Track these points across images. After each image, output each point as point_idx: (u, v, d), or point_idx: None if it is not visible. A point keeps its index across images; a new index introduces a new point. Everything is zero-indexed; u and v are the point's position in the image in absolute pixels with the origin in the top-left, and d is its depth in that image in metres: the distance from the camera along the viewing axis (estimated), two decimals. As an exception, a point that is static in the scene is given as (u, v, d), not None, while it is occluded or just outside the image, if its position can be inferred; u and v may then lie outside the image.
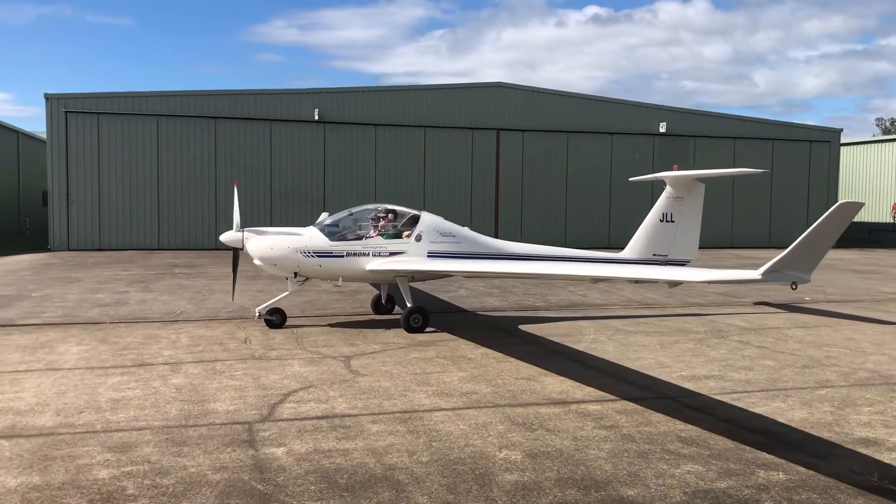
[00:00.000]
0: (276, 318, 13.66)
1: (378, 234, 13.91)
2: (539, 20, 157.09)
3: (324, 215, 17.82)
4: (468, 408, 8.51)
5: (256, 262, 13.76)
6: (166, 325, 13.90)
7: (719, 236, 36.24)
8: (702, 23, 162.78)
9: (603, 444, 7.35)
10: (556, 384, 9.66)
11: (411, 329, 13.23)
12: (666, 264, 14.91)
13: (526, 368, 10.52)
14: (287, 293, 13.91)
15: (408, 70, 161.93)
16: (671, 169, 16.70)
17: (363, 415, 8.17)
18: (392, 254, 13.81)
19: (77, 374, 9.94)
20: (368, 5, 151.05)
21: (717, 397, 9.18)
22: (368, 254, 13.71)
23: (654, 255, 15.31)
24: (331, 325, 13.90)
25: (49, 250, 29.98)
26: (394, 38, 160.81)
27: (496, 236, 35.33)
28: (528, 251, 14.92)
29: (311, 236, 13.73)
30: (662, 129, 37.49)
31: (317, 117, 33.09)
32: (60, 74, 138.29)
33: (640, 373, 10.42)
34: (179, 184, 32.05)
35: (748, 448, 7.26)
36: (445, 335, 13.00)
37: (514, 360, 11.09)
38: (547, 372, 10.33)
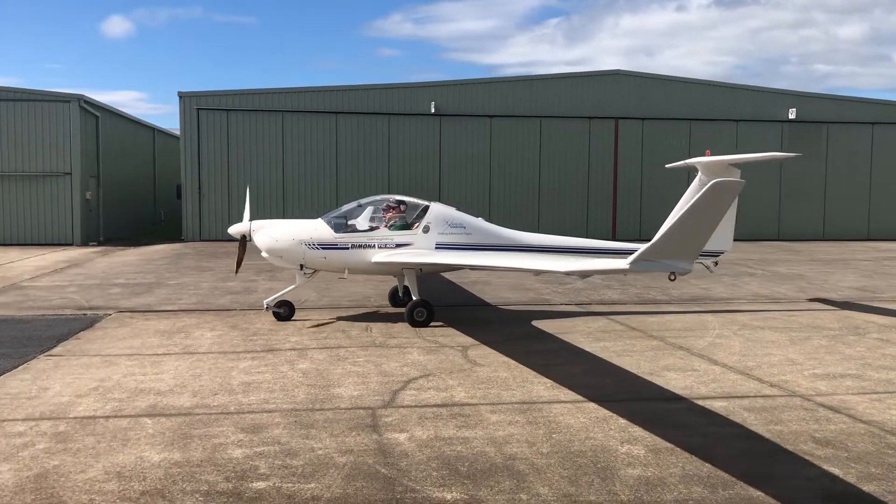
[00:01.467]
0: (283, 311, 13.64)
1: (384, 226, 13.75)
2: (659, 5, 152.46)
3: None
4: (588, 401, 8.40)
5: (263, 254, 13.85)
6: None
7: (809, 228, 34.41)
8: (837, 2, 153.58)
9: (730, 441, 7.10)
10: (680, 379, 9.40)
11: (415, 323, 12.95)
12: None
13: (647, 363, 10.28)
14: (294, 286, 13.92)
15: (521, 60, 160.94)
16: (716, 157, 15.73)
17: (482, 404, 8.22)
18: (399, 245, 13.62)
19: (211, 357, 10.48)
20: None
21: (855, 397, 8.69)
22: (374, 245, 13.54)
23: None
24: (449, 316, 14.04)
25: (182, 241, 31.70)
26: (508, 29, 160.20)
27: (614, 229, 34.93)
28: (546, 242, 14.44)
29: (315, 228, 13.71)
30: (792, 116, 35.66)
31: (433, 110, 33.43)
32: (189, 72, 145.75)
33: (768, 370, 9.99)
34: (302, 177, 33.14)
35: (892, 452, 6.83)
36: (563, 325, 12.88)
37: (634, 354, 10.86)
38: (669, 367, 10.06)
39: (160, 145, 44.26)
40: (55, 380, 9.18)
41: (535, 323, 13.28)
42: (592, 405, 8.23)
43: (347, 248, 13.50)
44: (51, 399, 8.33)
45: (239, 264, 14.51)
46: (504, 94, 34.38)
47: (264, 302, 13.95)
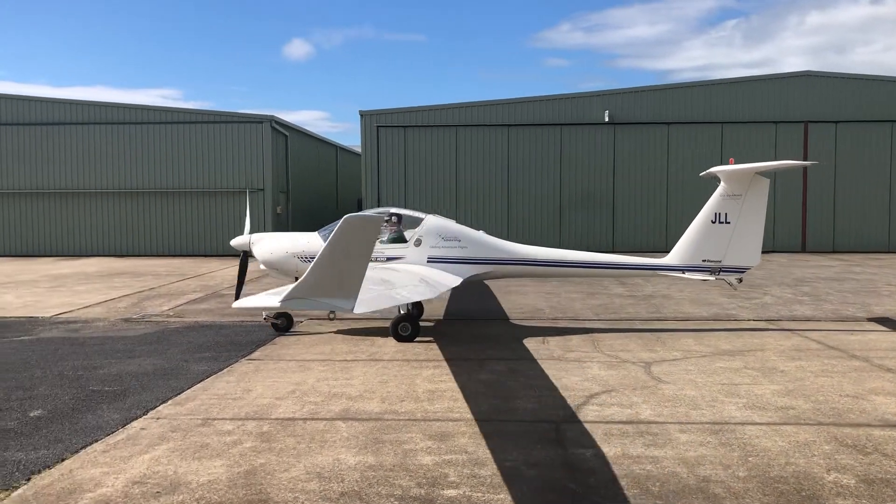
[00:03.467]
0: (281, 322, 13.61)
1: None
2: None
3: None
4: (785, 423, 7.90)
5: (261, 266, 13.92)
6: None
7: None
8: None
9: (956, 476, 6.41)
10: (891, 404, 8.63)
11: (400, 338, 12.60)
12: (719, 271, 13.39)
13: (851, 385, 9.52)
14: None
15: (696, 65, 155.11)
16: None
17: (670, 423, 7.94)
18: (389, 259, 13.46)
19: (395, 365, 10.85)
20: (654, 1, 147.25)
21: None
22: None
23: (704, 260, 13.45)
24: (625, 331, 13.71)
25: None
26: (681, 33, 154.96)
27: (803, 239, 32.73)
28: (545, 256, 13.95)
29: (308, 241, 13.74)
30: None
31: (607, 119, 32.91)
32: (365, 91, 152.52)
33: None
34: (475, 190, 33.67)
35: None
36: (751, 342, 12.21)
37: (835, 375, 10.10)
38: (877, 390, 9.27)
39: (342, 162, 46.57)
40: (256, 382, 9.85)
41: (720, 340, 12.68)
42: (790, 428, 7.73)
43: None
44: (254, 400, 8.95)
45: (241, 286, 14.21)
46: (681, 100, 33.26)
47: (263, 313, 13.88)
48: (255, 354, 11.72)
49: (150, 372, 10.46)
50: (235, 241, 14.67)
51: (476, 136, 33.67)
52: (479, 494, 6.02)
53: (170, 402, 8.92)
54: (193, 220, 32.52)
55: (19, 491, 6.13)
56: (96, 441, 7.43)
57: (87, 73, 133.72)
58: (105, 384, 9.79)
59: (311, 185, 39.04)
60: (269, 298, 6.08)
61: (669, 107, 33.22)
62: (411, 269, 12.99)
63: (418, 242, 13.60)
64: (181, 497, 5.98)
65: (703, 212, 13.61)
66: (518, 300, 17.59)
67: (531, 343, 12.46)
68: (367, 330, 13.86)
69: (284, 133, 34.40)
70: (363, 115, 33.67)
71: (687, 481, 6.29)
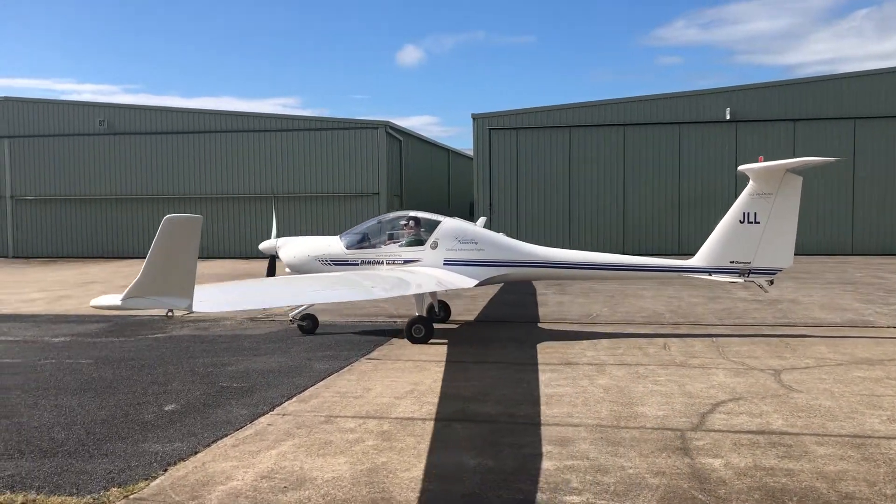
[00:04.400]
0: (307, 324, 13.70)
1: (392, 242, 13.72)
2: None
3: (482, 220, 17.60)
4: (936, 439, 7.32)
5: (286, 269, 13.85)
6: (584, 326, 14.43)
7: None
8: None
9: None
10: None
11: (414, 339, 12.59)
12: (749, 273, 12.78)
13: None
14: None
15: (822, 58, 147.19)
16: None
17: (804, 434, 7.51)
18: (406, 262, 13.48)
19: (512, 368, 10.76)
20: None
21: None
22: (382, 262, 13.52)
23: (732, 262, 12.84)
24: (751, 336, 13.12)
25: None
26: (805, 25, 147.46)
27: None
28: (563, 258, 13.77)
29: (329, 244, 13.98)
30: None
31: (728, 116, 31.71)
32: (476, 95, 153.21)
33: None
34: (588, 191, 33.18)
35: None
36: (891, 351, 11.41)
37: None
38: None
39: (454, 165, 46.94)
40: (376, 381, 10.01)
41: (857, 348, 11.94)
42: (942, 444, 7.15)
43: (357, 264, 13.61)
44: (374, 399, 9.08)
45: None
46: (808, 95, 31.65)
47: (290, 315, 14.05)
48: (374, 354, 11.92)
49: (276, 369, 10.81)
50: (263, 245, 14.88)
51: (590, 136, 33.19)
52: (603, 502, 5.87)
53: (294, 398, 9.18)
54: (312, 224, 33.52)
55: (157, 481, 6.43)
56: (226, 435, 7.72)
57: (215, 86, 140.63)
58: (233, 381, 10.19)
59: (424, 188, 39.53)
60: (113, 298, 6.33)
61: (796, 102, 31.68)
62: (425, 272, 13.10)
63: (434, 245, 13.63)
64: (307, 493, 6.12)
65: (730, 211, 13.06)
66: (636, 304, 17.17)
67: (652, 348, 12.12)
68: (481, 333, 13.86)
69: (399, 138, 35.00)
70: (475, 118, 33.81)
71: (828, 497, 5.92)
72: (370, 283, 11.20)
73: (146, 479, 6.44)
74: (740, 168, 13.31)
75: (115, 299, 6.36)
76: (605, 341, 12.81)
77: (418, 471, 6.58)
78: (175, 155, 34.89)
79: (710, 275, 13.09)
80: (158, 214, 34.52)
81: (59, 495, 6.09)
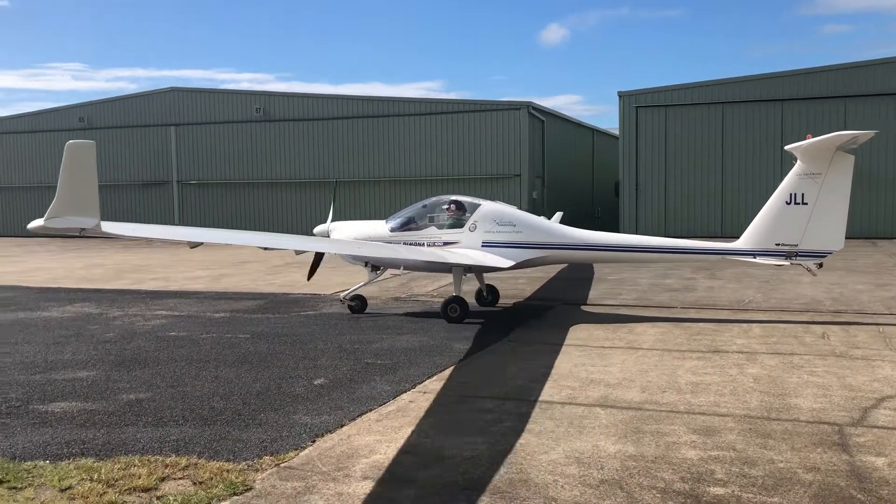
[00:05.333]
0: (356, 304, 14.25)
1: (433, 225, 14.00)
2: None
3: (558, 214, 17.76)
4: None
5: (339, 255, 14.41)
6: (735, 312, 13.81)
7: None
8: None
9: None
10: None
11: (450, 319, 13.00)
12: (796, 255, 12.49)
13: None
14: (365, 282, 14.42)
15: None
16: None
17: (984, 435, 6.85)
18: (446, 244, 13.78)
19: (655, 354, 10.48)
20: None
21: None
22: (423, 244, 13.83)
23: (778, 244, 12.54)
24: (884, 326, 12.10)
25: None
26: None
27: None
28: (602, 241, 13.87)
29: (375, 227, 14.48)
30: None
31: (900, 89, 29.22)
32: (621, 72, 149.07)
33: None
34: (742, 170, 31.62)
35: None
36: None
37: None
38: None
39: (598, 145, 46.02)
40: (514, 363, 10.02)
41: None
42: None
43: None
44: (511, 381, 9.11)
45: (313, 269, 14.96)
46: None
47: (341, 295, 14.72)
48: (513, 336, 11.95)
49: (417, 348, 11.07)
50: (317, 229, 15.36)
51: (743, 112, 31.58)
52: (750, 495, 5.61)
53: (435, 377, 9.36)
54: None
55: (306, 451, 6.75)
56: (370, 410, 7.98)
57: (362, 72, 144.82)
58: (377, 357, 10.52)
59: (567, 169, 39.01)
60: (39, 220, 7.52)
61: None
62: (459, 251, 13.61)
63: (473, 227, 13.86)
64: (446, 470, 6.22)
65: (777, 193, 12.70)
66: (793, 290, 16.25)
67: (809, 337, 11.43)
68: (624, 317, 13.58)
69: (541, 118, 34.70)
70: (621, 95, 32.98)
71: None
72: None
73: (296, 449, 6.77)
74: (787, 147, 12.98)
75: (40, 221, 7.62)
76: (757, 328, 12.21)
77: (556, 454, 6.54)
78: (324, 140, 36.26)
79: (754, 257, 12.88)
80: (309, 198, 36.12)
81: (217, 461, 6.52)
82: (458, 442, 6.90)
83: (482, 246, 13.74)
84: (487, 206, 14.16)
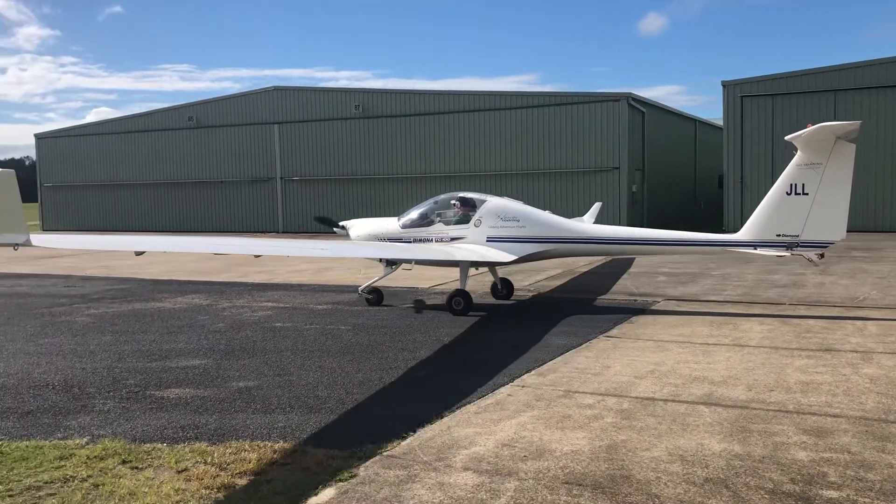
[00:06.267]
0: (373, 297, 14.74)
1: (440, 221, 14.37)
2: None
3: (597, 205, 18.72)
4: None
5: None
6: (848, 310, 13.18)
7: None
8: None
9: None
10: None
11: (455, 312, 13.35)
12: (797, 246, 12.42)
13: None
14: (382, 276, 14.75)
15: None
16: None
17: None
18: (453, 239, 14.12)
19: (762, 352, 10.13)
20: None
21: None
22: (432, 239, 14.25)
23: (779, 235, 12.49)
24: None
25: (723, 230, 31.47)
26: None
27: None
28: (606, 234, 14.21)
29: (388, 223, 14.96)
30: None
31: None
32: (725, 61, 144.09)
33: None
34: (860, 161, 30.05)
35: None
36: None
37: None
38: None
39: (701, 136, 44.70)
40: (615, 359, 9.89)
41: None
42: None
43: (409, 242, 14.30)
44: (612, 377, 8.99)
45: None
46: None
47: (359, 289, 15.14)
48: (613, 332, 11.78)
49: (515, 342, 11.06)
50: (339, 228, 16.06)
51: (861, 100, 29.97)
52: (867, 500, 5.36)
53: (533, 371, 9.34)
54: (550, 201, 33.68)
55: (407, 441, 6.87)
56: (469, 403, 8.04)
57: (457, 67, 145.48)
58: (475, 351, 10.58)
59: (668, 161, 38.04)
60: None
61: None
62: (465, 246, 13.92)
63: (478, 223, 14.14)
64: (546, 463, 6.22)
65: (777, 183, 12.67)
66: (911, 286, 15.36)
67: (930, 336, 10.80)
68: (729, 313, 13.18)
69: (641, 110, 33.98)
70: (726, 85, 31.93)
71: None
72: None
73: (397, 439, 6.90)
74: (787, 137, 12.80)
75: None
76: (872, 327, 11.63)
77: (659, 451, 6.43)
78: (421, 136, 36.62)
79: (755, 248, 12.87)
80: (406, 193, 36.58)
81: (322, 448, 6.72)
82: (558, 436, 6.87)
83: (487, 241, 14.03)
84: (492, 202, 14.47)
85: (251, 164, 40.77)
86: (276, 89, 40.57)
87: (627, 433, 6.92)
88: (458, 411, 7.75)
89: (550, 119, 33.73)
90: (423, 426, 7.27)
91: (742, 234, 13.00)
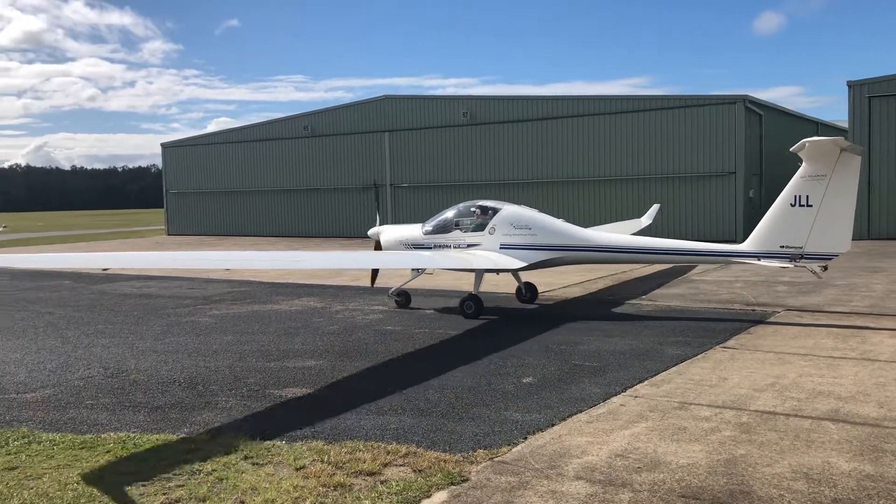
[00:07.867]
0: (401, 299, 15.41)
1: (458, 229, 14.93)
2: None
3: (655, 206, 19.23)
4: None
5: None
6: None
7: None
8: None
9: None
10: None
11: (466, 315, 13.91)
12: (800, 258, 12.39)
13: None
14: (410, 279, 15.30)
15: None
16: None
17: None
18: (469, 246, 14.71)
19: (894, 367, 9.55)
20: None
21: None
22: (450, 246, 14.81)
23: (783, 246, 12.50)
24: None
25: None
26: None
27: None
28: (615, 243, 14.44)
29: (412, 230, 15.62)
30: None
31: None
32: (849, 60, 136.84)
33: None
34: None
35: None
36: None
37: None
38: None
39: (823, 139, 42.51)
40: (732, 371, 9.55)
41: None
42: None
43: (431, 248, 14.92)
44: (730, 389, 8.68)
45: (375, 275, 16.25)
46: None
47: (389, 293, 15.67)
48: (730, 343, 11.37)
49: (626, 351, 10.86)
50: (370, 231, 16.64)
51: None
52: None
53: (646, 382, 9.14)
54: (661, 204, 32.86)
55: (518, 447, 6.86)
56: (580, 412, 7.95)
57: (565, 71, 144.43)
58: (585, 359, 10.45)
59: (788, 165, 36.35)
60: None
61: None
62: (480, 253, 14.42)
63: (492, 231, 14.62)
64: (661, 476, 6.07)
65: (782, 195, 12.59)
66: None
67: None
68: (856, 326, 12.49)
69: (759, 112, 32.69)
70: (851, 85, 30.30)
71: None
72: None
73: (508, 445, 6.90)
74: (792, 149, 12.52)
75: None
76: None
77: (781, 468, 6.16)
78: (529, 141, 36.48)
79: (759, 259, 12.90)
80: (515, 198, 36.50)
81: (434, 451, 6.80)
82: (673, 448, 6.70)
83: (500, 248, 14.52)
84: (506, 210, 14.95)
85: (362, 170, 41.72)
86: (387, 98, 41.33)
87: (747, 447, 6.67)
88: (569, 420, 7.68)
89: (662, 123, 32.89)
90: (535, 433, 7.24)
91: (747, 245, 13.10)
